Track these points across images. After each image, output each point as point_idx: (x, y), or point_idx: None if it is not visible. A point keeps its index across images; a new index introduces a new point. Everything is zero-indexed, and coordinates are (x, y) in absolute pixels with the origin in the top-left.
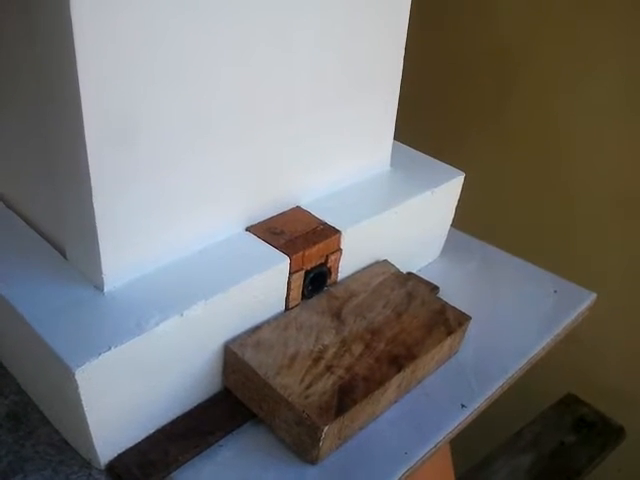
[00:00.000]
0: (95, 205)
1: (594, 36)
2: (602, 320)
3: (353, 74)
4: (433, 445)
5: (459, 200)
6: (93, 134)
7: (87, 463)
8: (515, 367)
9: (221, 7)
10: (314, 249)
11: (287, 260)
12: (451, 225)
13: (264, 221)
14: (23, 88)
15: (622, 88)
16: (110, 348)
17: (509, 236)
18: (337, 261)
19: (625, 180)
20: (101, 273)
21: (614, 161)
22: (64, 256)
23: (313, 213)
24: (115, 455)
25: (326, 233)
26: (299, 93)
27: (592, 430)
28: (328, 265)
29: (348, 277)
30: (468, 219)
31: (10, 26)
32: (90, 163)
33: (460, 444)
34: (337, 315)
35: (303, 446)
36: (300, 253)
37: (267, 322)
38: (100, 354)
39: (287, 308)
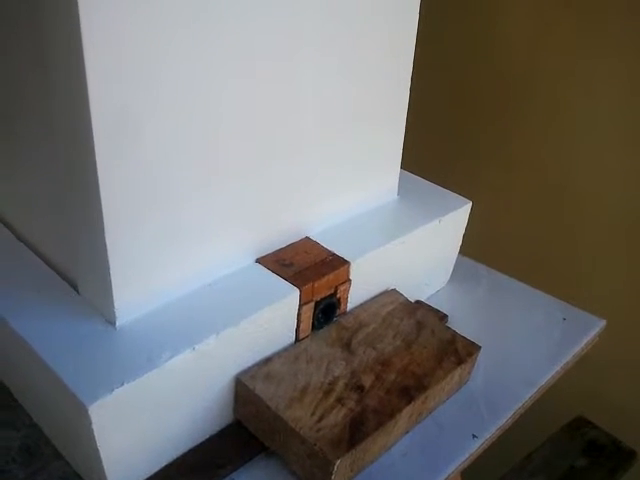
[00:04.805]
0: (107, 240)
1: (597, 60)
2: (612, 342)
3: (360, 106)
4: (445, 476)
5: (466, 227)
6: (105, 169)
7: None
8: (525, 396)
9: (228, 36)
10: (324, 280)
11: (297, 292)
12: (458, 252)
13: (274, 252)
14: (34, 119)
15: (626, 112)
16: (123, 384)
17: (516, 262)
18: (346, 291)
19: (632, 205)
20: (113, 307)
21: (620, 186)
22: (76, 290)
23: (322, 244)
24: None
25: (335, 264)
26: (307, 125)
27: (603, 453)
28: (337, 296)
29: (357, 307)
30: (475, 245)
31: (18, 55)
32: (102, 197)
33: (470, 469)
34: (347, 346)
35: (315, 479)
36: (310, 284)
37: (277, 354)
38: (113, 390)
39: (297, 339)
